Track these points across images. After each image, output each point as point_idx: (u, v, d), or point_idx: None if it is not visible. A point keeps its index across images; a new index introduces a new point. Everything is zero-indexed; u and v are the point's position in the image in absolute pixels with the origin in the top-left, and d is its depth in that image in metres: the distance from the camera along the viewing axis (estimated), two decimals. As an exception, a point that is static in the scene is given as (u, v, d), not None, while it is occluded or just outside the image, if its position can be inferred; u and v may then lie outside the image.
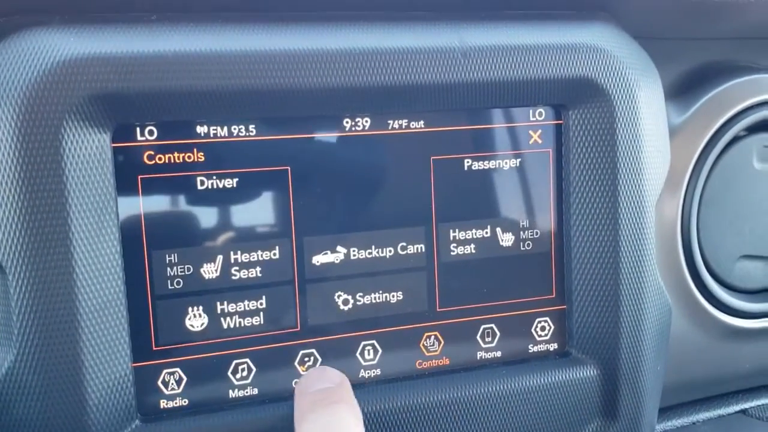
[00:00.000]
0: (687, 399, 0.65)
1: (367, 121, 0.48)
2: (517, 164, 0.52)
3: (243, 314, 0.47)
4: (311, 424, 0.40)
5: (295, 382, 0.47)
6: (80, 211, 0.41)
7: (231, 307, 0.47)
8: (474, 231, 0.51)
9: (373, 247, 0.49)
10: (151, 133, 0.44)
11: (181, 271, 0.45)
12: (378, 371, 0.50)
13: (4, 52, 0.41)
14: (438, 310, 0.51)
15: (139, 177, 0.44)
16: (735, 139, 0.61)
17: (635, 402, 0.53)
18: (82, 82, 0.41)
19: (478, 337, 0.52)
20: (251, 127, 0.46)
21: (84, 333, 0.42)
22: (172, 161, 0.45)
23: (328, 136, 0.47)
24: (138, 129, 0.44)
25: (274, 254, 0.47)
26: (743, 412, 0.66)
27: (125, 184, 0.44)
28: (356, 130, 0.48)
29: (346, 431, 0.40)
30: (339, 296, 0.49)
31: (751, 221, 0.61)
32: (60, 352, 0.41)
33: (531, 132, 0.52)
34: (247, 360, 0.47)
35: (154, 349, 0.45)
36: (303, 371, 0.48)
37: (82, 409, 0.42)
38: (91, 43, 0.42)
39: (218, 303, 0.46)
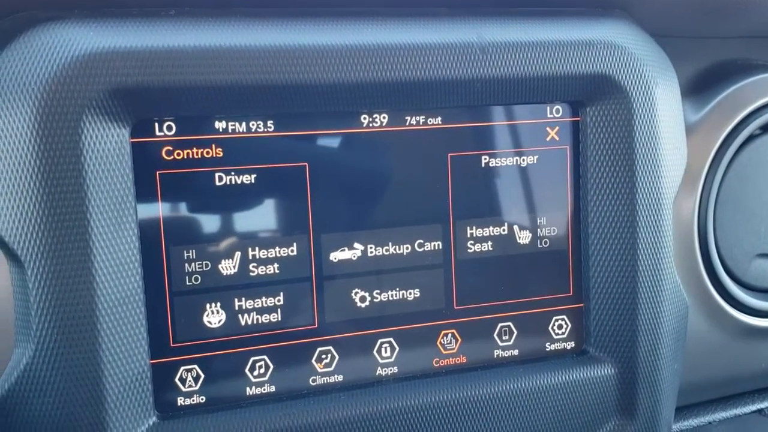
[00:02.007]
0: (704, 398, 0.65)
1: (384, 118, 0.48)
2: (535, 161, 0.52)
3: (261, 311, 0.47)
4: None
5: None
6: (99, 206, 0.41)
7: (249, 304, 0.46)
8: (491, 228, 0.51)
9: (390, 244, 0.49)
10: (169, 128, 0.44)
11: (199, 267, 0.45)
12: (395, 369, 0.50)
13: (23, 47, 0.41)
14: (455, 307, 0.51)
15: (158, 172, 0.44)
16: (751, 138, 0.60)
17: (653, 401, 0.53)
18: (101, 77, 0.41)
19: (495, 335, 0.52)
20: (269, 122, 0.46)
21: (102, 329, 0.42)
22: (191, 157, 0.44)
23: (346, 132, 0.47)
24: (157, 124, 0.44)
25: (292, 251, 0.47)
26: (759, 411, 0.66)
27: (144, 180, 0.44)
28: (374, 127, 0.48)
29: None
30: (356, 293, 0.48)
31: (767, 220, 0.61)
32: (78, 348, 0.41)
33: (548, 129, 0.52)
34: (265, 357, 0.47)
35: (172, 345, 0.45)
36: (320, 369, 0.48)
37: (99, 405, 0.42)
38: (110, 38, 0.41)
39: (236, 299, 0.46)
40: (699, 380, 0.62)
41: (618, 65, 0.50)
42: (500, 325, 0.52)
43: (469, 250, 0.51)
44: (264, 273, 0.46)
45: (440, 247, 0.50)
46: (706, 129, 0.59)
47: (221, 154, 0.45)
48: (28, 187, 0.40)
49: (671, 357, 0.53)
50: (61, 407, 0.41)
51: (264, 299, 0.47)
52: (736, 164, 0.60)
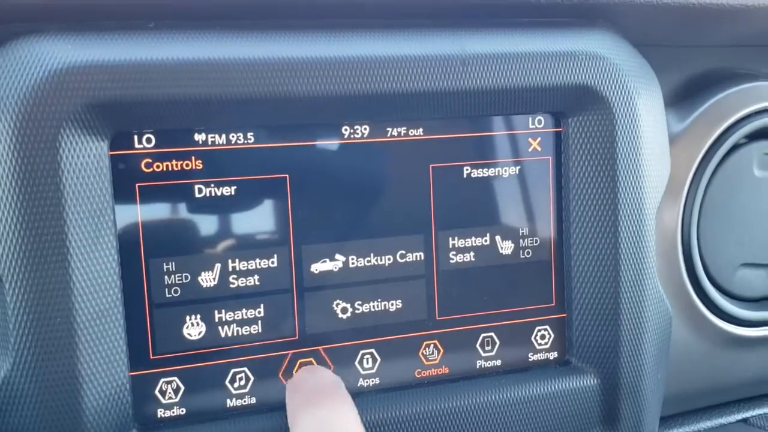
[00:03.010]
0: (688, 408, 0.65)
1: (366, 129, 0.48)
2: (517, 172, 0.52)
3: (241, 323, 0.47)
4: (307, 422, 0.40)
5: (287, 382, 0.46)
6: (78, 220, 0.41)
7: (229, 316, 0.46)
8: (473, 239, 0.51)
9: (372, 255, 0.49)
10: (149, 141, 0.44)
11: (178, 280, 0.45)
12: (377, 380, 0.50)
13: (0, 60, 0.41)
14: (437, 318, 0.51)
15: (137, 185, 0.44)
16: (735, 147, 0.60)
17: (636, 411, 0.53)
18: (80, 90, 0.41)
19: (477, 346, 0.52)
20: (249, 134, 0.46)
21: (81, 342, 0.42)
22: (170, 169, 0.44)
23: (327, 144, 0.47)
24: (136, 137, 0.44)
25: (273, 262, 0.47)
26: (744, 421, 0.66)
27: (123, 193, 0.44)
28: (355, 138, 0.48)
29: (345, 427, 0.39)
30: (338, 304, 0.48)
31: (752, 229, 0.61)
32: (57, 361, 0.41)
33: (530, 140, 0.52)
34: (245, 369, 0.47)
35: (152, 357, 0.45)
36: (301, 380, 0.48)
37: (78, 418, 0.42)
38: (89, 51, 0.41)
39: (216, 311, 0.46)
40: (683, 390, 0.62)
41: (600, 76, 0.50)
42: (483, 335, 0.52)
43: (451, 261, 0.51)
44: (244, 285, 0.46)
45: (422, 258, 0.50)
46: (689, 138, 0.59)
47: (201, 167, 0.45)
48: (5, 201, 0.40)
49: (654, 367, 0.53)
50: (39, 421, 0.41)
51: (244, 311, 0.47)
52: (720, 174, 0.60)
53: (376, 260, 0.49)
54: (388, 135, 0.49)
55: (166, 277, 0.45)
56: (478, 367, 0.52)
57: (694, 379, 0.62)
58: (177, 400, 0.46)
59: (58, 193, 0.41)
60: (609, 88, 0.50)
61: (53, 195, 0.41)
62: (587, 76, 0.50)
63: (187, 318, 0.45)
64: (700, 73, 0.61)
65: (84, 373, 0.42)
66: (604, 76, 0.50)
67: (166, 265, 0.45)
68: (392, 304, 0.50)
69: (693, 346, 0.61)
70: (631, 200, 0.51)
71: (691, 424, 0.64)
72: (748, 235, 0.61)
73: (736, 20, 0.56)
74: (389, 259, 0.49)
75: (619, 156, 0.51)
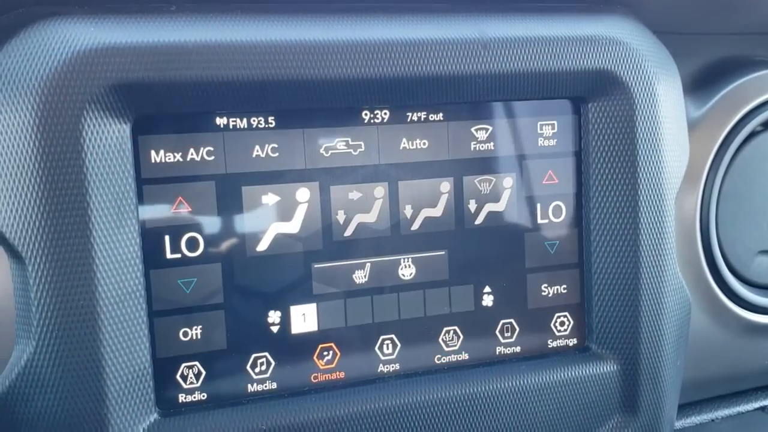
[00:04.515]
0: (706, 395, 0.65)
1: (386, 114, 0.48)
2: (536, 158, 0.51)
3: (262, 308, 0.47)
4: None
5: None
6: (100, 202, 0.41)
7: (250, 301, 0.46)
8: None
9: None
10: (171, 123, 0.44)
11: (200, 264, 0.45)
12: (397, 366, 0.50)
13: (23, 43, 0.41)
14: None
15: (159, 167, 0.44)
16: (753, 134, 0.60)
17: (655, 397, 0.53)
18: (103, 72, 0.41)
19: (497, 332, 0.52)
20: (270, 118, 0.46)
21: (104, 325, 0.41)
22: (191, 151, 0.44)
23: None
24: (158, 119, 0.43)
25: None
26: (762, 409, 0.66)
27: (146, 176, 0.43)
28: (375, 122, 0.48)
29: None
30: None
31: (769, 216, 0.61)
32: (79, 345, 0.41)
33: (550, 124, 0.51)
34: (266, 354, 0.47)
35: (174, 342, 0.45)
36: (322, 366, 0.48)
37: (101, 402, 0.42)
38: (111, 34, 0.41)
39: (237, 296, 0.46)
40: (702, 377, 0.62)
41: (620, 61, 0.50)
42: (502, 321, 0.52)
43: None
44: (265, 269, 0.46)
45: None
46: (708, 125, 0.59)
47: (223, 150, 0.45)
48: (29, 183, 0.40)
49: (674, 354, 0.53)
50: (62, 404, 0.41)
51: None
52: (738, 161, 0.60)
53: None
54: (408, 120, 0.48)
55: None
56: (497, 353, 0.52)
57: (713, 366, 0.62)
58: (198, 384, 0.46)
59: (81, 175, 0.41)
60: (629, 73, 0.50)
61: (76, 177, 0.41)
62: (607, 61, 0.50)
63: (210, 302, 0.45)
64: (718, 60, 0.61)
65: (107, 357, 0.42)
66: (623, 61, 0.50)
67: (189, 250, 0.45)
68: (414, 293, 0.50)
69: (711, 333, 0.61)
70: (652, 185, 0.51)
71: (709, 411, 0.65)
72: (766, 222, 0.61)
73: (753, 7, 0.56)
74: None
75: (639, 141, 0.51)
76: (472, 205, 0.50)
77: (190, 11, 0.43)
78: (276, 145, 0.46)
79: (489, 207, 0.51)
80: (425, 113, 0.49)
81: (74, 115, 0.40)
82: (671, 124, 0.52)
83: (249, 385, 0.47)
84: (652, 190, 0.51)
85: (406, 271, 0.49)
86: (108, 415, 0.42)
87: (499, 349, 0.52)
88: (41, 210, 0.40)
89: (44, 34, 0.41)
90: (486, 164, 0.50)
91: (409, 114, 0.48)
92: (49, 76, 0.40)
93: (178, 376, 0.45)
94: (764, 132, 0.61)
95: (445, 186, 0.50)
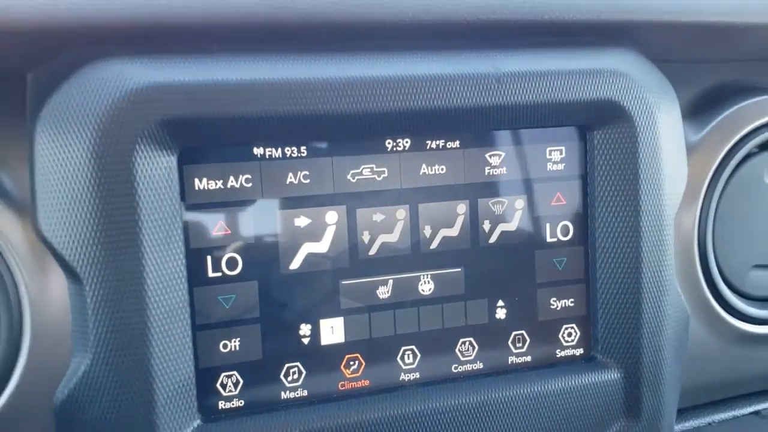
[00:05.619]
0: (703, 401, 0.68)
1: (407, 142, 0.52)
2: (545, 181, 0.55)
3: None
4: None
5: None
6: (150, 227, 0.45)
7: (284, 315, 0.50)
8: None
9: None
10: (213, 154, 0.48)
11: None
12: (417, 374, 0.54)
13: (82, 81, 0.45)
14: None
15: (203, 194, 0.48)
16: (748, 156, 0.64)
17: (656, 403, 0.56)
18: (153, 109, 0.44)
19: (509, 343, 0.56)
20: (303, 148, 0.50)
21: (153, 339, 0.45)
22: (232, 180, 0.48)
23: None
24: (202, 151, 0.47)
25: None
26: (756, 413, 0.69)
27: (190, 201, 0.47)
28: (397, 150, 0.52)
29: None
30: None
31: (763, 233, 0.65)
32: (132, 357, 0.45)
33: (558, 150, 0.55)
34: (298, 364, 0.51)
35: (215, 353, 0.49)
36: (348, 375, 0.52)
37: (150, 408, 0.46)
38: (159, 73, 0.45)
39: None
40: (699, 384, 0.65)
41: (623, 92, 0.54)
42: (514, 333, 0.56)
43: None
44: (297, 286, 0.50)
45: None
46: (705, 149, 0.62)
47: (260, 179, 0.49)
48: (87, 210, 0.44)
49: (673, 362, 0.57)
50: (115, 410, 0.45)
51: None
52: (734, 181, 0.63)
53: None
54: (427, 147, 0.52)
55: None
56: (509, 362, 0.56)
57: (709, 373, 0.66)
58: (237, 392, 0.50)
59: (133, 202, 0.45)
60: (631, 102, 0.54)
61: (129, 204, 0.45)
62: (611, 92, 0.53)
63: (246, 317, 0.50)
64: (714, 87, 0.65)
65: (156, 368, 0.46)
66: (626, 91, 0.54)
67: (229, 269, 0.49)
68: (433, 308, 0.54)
69: (708, 342, 0.65)
70: (652, 206, 0.55)
71: (705, 416, 0.68)
72: (759, 238, 0.64)
73: (748, 36, 0.59)
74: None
75: (641, 165, 0.54)
76: (486, 225, 0.54)
77: (230, 52, 0.47)
78: (307, 172, 0.50)
79: (502, 227, 0.55)
80: (443, 141, 0.53)
81: (127, 147, 0.44)
82: (671, 149, 0.56)
83: (282, 393, 0.51)
84: (652, 210, 0.55)
85: (426, 286, 0.53)
86: (156, 420, 0.46)
87: (511, 359, 0.56)
88: (97, 234, 0.44)
89: (100, 73, 0.45)
90: (499, 187, 0.54)
91: (429, 142, 0.52)
92: (105, 111, 0.44)
93: (218, 385, 0.49)
94: (759, 154, 0.64)
95: (461, 208, 0.53)
